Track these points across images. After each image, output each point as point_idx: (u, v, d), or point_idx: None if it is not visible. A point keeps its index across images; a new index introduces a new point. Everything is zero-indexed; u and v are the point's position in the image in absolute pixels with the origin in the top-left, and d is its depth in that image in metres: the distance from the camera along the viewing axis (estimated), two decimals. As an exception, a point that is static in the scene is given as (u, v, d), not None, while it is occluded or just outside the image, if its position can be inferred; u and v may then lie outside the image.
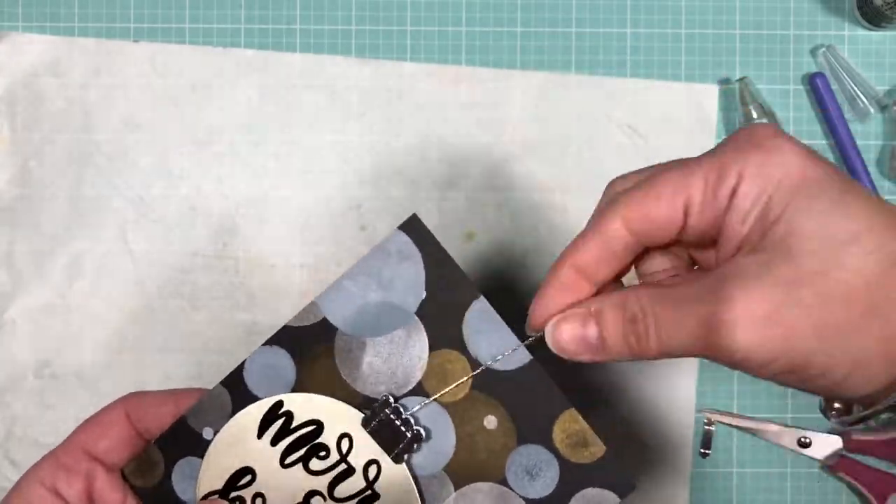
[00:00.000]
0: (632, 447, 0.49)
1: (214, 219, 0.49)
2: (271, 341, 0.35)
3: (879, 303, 0.23)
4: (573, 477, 0.33)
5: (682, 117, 0.49)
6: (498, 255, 0.49)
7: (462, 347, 0.34)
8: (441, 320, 0.34)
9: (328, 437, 0.35)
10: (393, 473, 0.34)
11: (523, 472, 0.33)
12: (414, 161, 0.49)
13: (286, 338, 0.35)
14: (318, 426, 0.35)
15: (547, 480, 0.33)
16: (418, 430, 0.34)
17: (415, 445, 0.34)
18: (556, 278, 0.29)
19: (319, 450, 0.35)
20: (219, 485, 0.36)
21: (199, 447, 0.36)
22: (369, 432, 0.34)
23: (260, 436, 0.35)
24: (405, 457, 0.34)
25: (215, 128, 0.50)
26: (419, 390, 0.34)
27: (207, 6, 0.50)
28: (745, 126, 0.30)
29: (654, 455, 0.49)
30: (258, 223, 0.49)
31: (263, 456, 0.35)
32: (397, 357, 0.34)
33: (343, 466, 0.35)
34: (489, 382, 0.33)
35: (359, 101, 0.49)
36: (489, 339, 0.33)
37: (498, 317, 0.33)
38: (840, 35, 0.49)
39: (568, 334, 0.29)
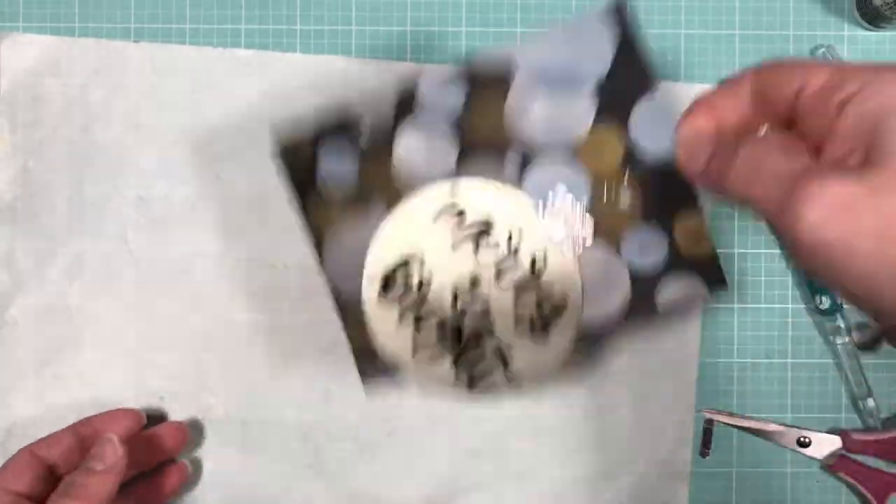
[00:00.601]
0: (632, 447, 0.49)
1: (215, 219, 0.49)
2: (452, 72, 0.38)
3: None
4: (677, 263, 0.38)
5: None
6: (498, 255, 0.49)
7: (624, 129, 0.37)
8: (615, 99, 0.37)
9: (499, 233, 0.38)
10: (560, 264, 0.38)
11: (636, 245, 0.38)
12: (414, 161, 0.49)
13: (467, 74, 0.38)
14: (489, 224, 0.39)
15: (652, 258, 0.38)
16: (589, 233, 0.38)
17: (583, 247, 0.38)
18: (689, 110, 0.33)
19: (491, 241, 0.39)
20: (391, 264, 0.39)
21: (353, 140, 0.39)
22: (546, 221, 0.38)
23: (435, 220, 0.39)
24: (573, 253, 0.38)
25: (215, 128, 0.50)
26: (572, 157, 0.38)
27: (207, 6, 0.50)
28: None
29: (654, 455, 0.49)
30: (259, 223, 0.49)
31: (435, 240, 0.39)
32: (563, 118, 0.37)
33: (511, 261, 0.39)
34: (637, 163, 0.37)
35: (359, 102, 0.49)
36: (652, 129, 0.37)
37: (668, 112, 0.36)
38: (839, 35, 0.50)
39: (683, 147, 0.32)
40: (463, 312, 0.39)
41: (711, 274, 0.38)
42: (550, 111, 0.37)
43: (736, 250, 0.49)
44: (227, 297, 0.49)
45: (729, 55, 0.50)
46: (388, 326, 0.40)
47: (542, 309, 0.39)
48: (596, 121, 0.37)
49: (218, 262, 0.49)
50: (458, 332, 0.40)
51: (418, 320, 0.40)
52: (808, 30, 0.49)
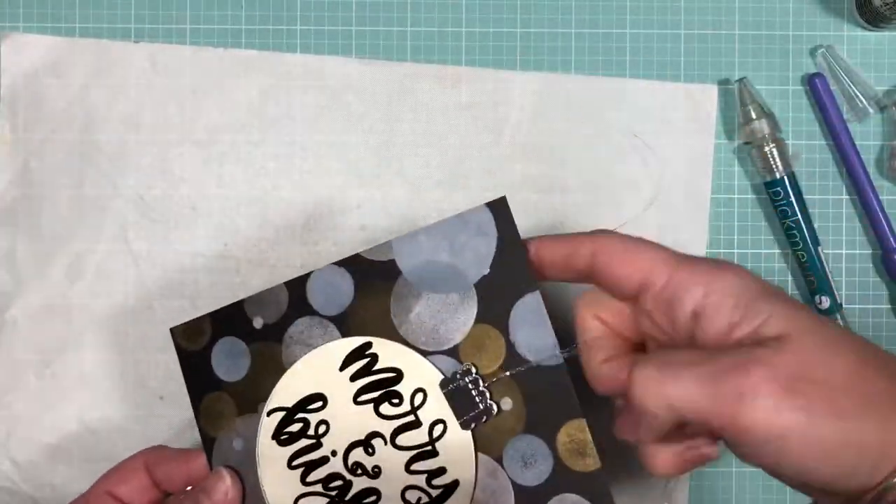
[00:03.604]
0: (631, 447, 0.49)
1: (215, 219, 0.49)
2: (341, 263, 0.38)
3: (869, 395, 0.25)
4: (562, 478, 0.35)
5: (682, 118, 0.49)
6: (498, 255, 0.49)
7: (504, 329, 0.36)
8: (494, 298, 0.36)
9: (404, 388, 0.37)
10: (457, 438, 0.36)
11: (519, 457, 0.36)
12: (414, 161, 0.49)
13: (354, 265, 0.38)
14: (398, 375, 0.37)
15: (537, 473, 0.35)
16: (491, 405, 0.36)
17: (483, 418, 0.36)
18: (579, 323, 0.34)
19: (393, 396, 0.37)
20: (289, 403, 0.39)
21: (246, 332, 0.40)
22: (445, 394, 0.36)
23: (342, 369, 0.38)
24: (472, 425, 0.36)
25: (216, 128, 0.50)
26: (453, 353, 0.37)
27: (207, 6, 0.50)
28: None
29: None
30: (259, 223, 0.49)
31: (340, 388, 0.38)
32: (444, 317, 0.37)
33: (411, 418, 0.37)
34: (518, 369, 0.36)
35: (359, 101, 0.50)
36: (531, 331, 0.35)
37: (545, 315, 0.35)
38: (839, 35, 0.50)
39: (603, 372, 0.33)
40: (353, 470, 0.38)
41: (597, 491, 0.35)
42: (430, 314, 0.37)
43: (736, 251, 0.49)
44: (227, 297, 0.49)
45: (729, 55, 0.50)
46: (275, 470, 0.39)
47: (432, 485, 0.37)
48: (477, 319, 0.36)
49: (217, 262, 0.49)
50: (343, 490, 0.38)
51: (308, 468, 0.38)
52: (808, 30, 0.50)
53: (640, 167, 0.49)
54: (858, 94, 0.49)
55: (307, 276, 0.39)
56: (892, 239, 0.48)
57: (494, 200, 0.37)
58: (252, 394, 0.40)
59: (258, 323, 0.39)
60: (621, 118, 0.49)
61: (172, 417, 0.49)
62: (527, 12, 0.50)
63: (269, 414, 0.39)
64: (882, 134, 0.49)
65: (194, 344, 0.41)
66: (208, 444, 0.40)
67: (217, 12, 0.50)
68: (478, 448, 0.36)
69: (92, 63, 0.50)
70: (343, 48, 0.50)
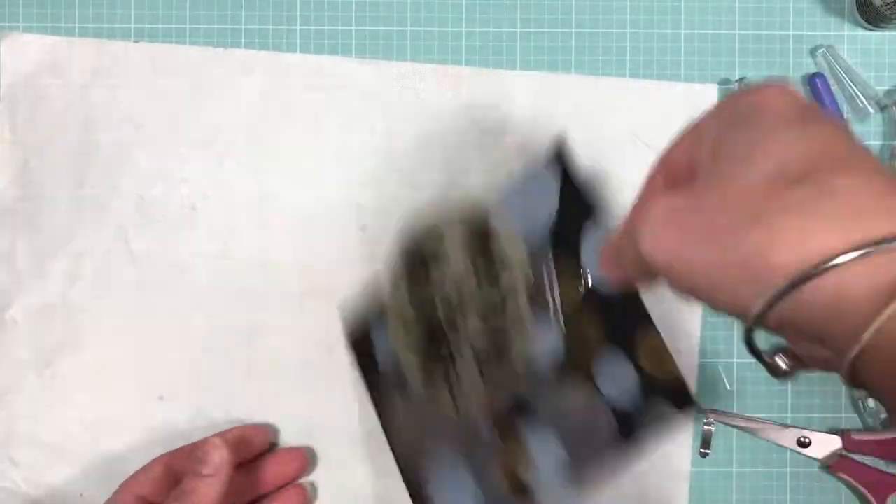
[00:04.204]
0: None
1: (215, 219, 0.49)
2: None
3: (764, 213, 0.22)
4: (647, 389, 0.39)
5: (682, 117, 0.49)
6: (498, 255, 0.49)
7: (577, 263, 0.40)
8: (566, 234, 0.40)
9: (504, 279, 0.42)
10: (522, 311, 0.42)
11: (609, 376, 0.40)
12: (414, 161, 0.49)
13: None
14: (503, 265, 0.42)
15: (625, 385, 0.39)
16: (561, 317, 0.41)
17: (554, 328, 0.41)
18: (620, 225, 0.32)
19: (495, 281, 0.42)
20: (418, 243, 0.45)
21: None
22: (527, 297, 0.41)
23: (461, 224, 0.44)
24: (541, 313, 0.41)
25: (216, 128, 0.50)
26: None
27: (207, 6, 0.50)
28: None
29: (654, 455, 0.49)
30: (258, 223, 0.49)
31: (455, 239, 0.44)
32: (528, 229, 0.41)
33: (500, 301, 0.42)
34: (594, 297, 0.40)
35: (359, 102, 0.50)
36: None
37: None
38: (839, 35, 0.50)
39: (601, 258, 0.32)
40: (446, 322, 0.43)
41: (681, 396, 0.38)
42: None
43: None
44: (227, 297, 0.49)
45: (729, 55, 0.50)
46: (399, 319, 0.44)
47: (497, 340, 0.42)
48: (553, 259, 0.40)
49: (218, 262, 0.49)
50: (436, 334, 0.43)
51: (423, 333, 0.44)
52: (808, 30, 0.49)
53: (639, 167, 0.49)
54: (858, 94, 0.49)
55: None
56: (892, 239, 0.48)
57: (554, 148, 0.40)
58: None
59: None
60: (621, 118, 0.49)
61: (172, 417, 0.49)
62: (527, 12, 0.50)
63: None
64: (882, 134, 0.49)
65: (363, 347, 0.46)
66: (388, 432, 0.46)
67: (217, 12, 0.50)
68: (573, 371, 0.40)
69: (92, 63, 0.50)
70: (343, 48, 0.50)
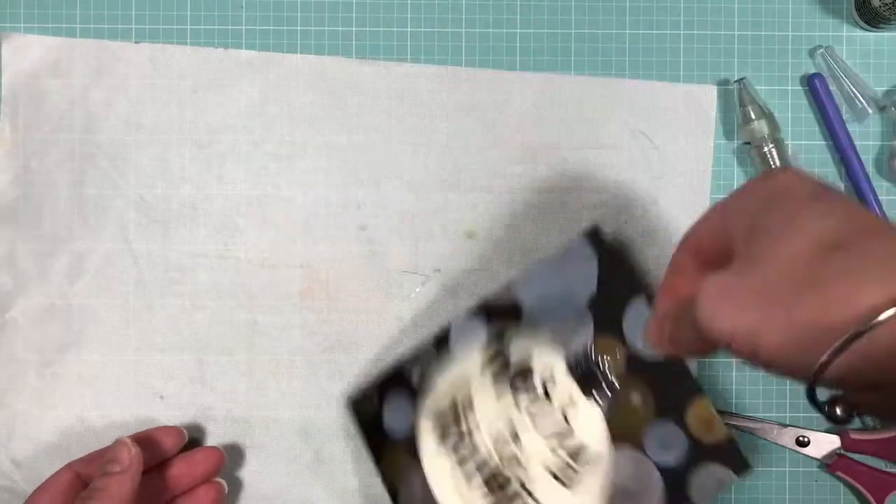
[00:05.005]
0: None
1: (215, 219, 0.50)
2: (473, 312, 0.45)
3: (813, 279, 0.25)
4: (698, 453, 0.41)
5: (681, 118, 0.49)
6: (498, 255, 0.49)
7: (621, 335, 0.42)
8: (606, 312, 0.42)
9: (536, 374, 0.43)
10: (587, 413, 0.42)
11: (658, 442, 0.42)
12: (414, 161, 0.49)
13: (484, 310, 0.45)
14: (529, 370, 0.43)
15: (676, 453, 0.41)
16: (613, 381, 0.42)
17: (609, 395, 0.42)
18: (656, 301, 0.35)
19: (528, 389, 0.43)
20: (445, 405, 0.44)
21: (408, 387, 0.45)
22: (571, 373, 0.43)
23: (482, 373, 0.44)
24: (598, 400, 0.42)
25: (216, 128, 0.50)
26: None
27: (208, 7, 0.50)
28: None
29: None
30: (259, 223, 0.49)
31: (483, 390, 0.44)
32: (568, 338, 0.43)
33: (546, 405, 0.43)
34: (640, 366, 0.42)
35: (359, 102, 0.50)
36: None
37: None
38: (838, 36, 0.50)
39: (648, 332, 0.35)
40: (507, 463, 0.43)
41: (733, 457, 0.41)
42: (557, 333, 0.43)
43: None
44: (227, 297, 0.49)
45: (729, 55, 0.50)
46: (444, 478, 0.44)
47: (574, 458, 0.42)
48: (595, 331, 0.43)
49: (218, 262, 0.50)
50: (501, 485, 0.43)
51: (467, 473, 0.44)
52: (808, 30, 0.50)
53: (639, 167, 0.49)
54: (858, 94, 0.49)
55: (447, 330, 0.45)
56: (891, 239, 0.48)
57: (588, 229, 0.43)
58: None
59: (416, 376, 0.45)
60: (621, 118, 0.49)
61: (172, 417, 0.49)
62: (527, 12, 0.50)
63: (425, 421, 0.45)
64: (881, 134, 0.49)
65: (368, 412, 0.46)
66: (393, 495, 0.45)
67: (217, 12, 0.50)
68: (619, 440, 0.42)
69: (92, 63, 0.50)
70: (343, 48, 0.50)
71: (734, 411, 0.49)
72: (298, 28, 0.50)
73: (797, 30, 0.50)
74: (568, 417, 0.42)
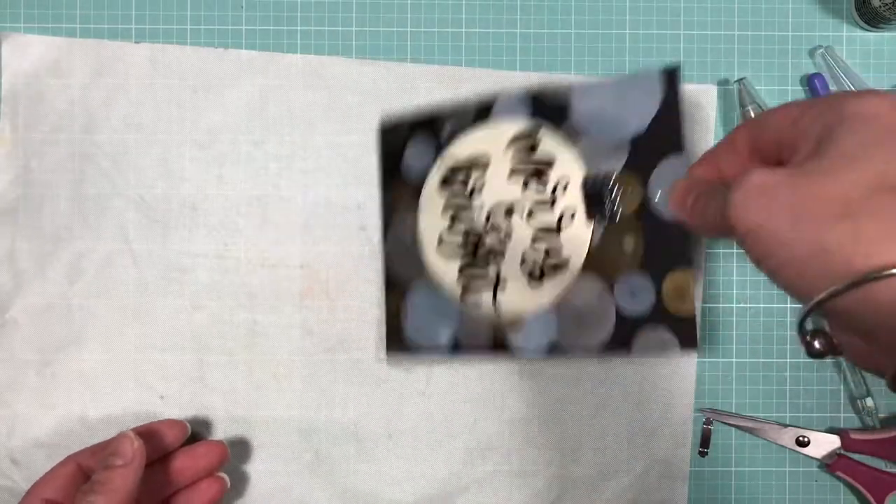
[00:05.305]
0: (632, 447, 0.49)
1: (215, 219, 0.50)
2: (522, 94, 0.45)
3: (855, 211, 0.25)
4: (659, 315, 0.41)
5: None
6: (498, 255, 0.49)
7: (646, 181, 0.42)
8: (644, 153, 0.42)
9: (552, 175, 0.44)
10: (579, 228, 0.43)
11: (628, 289, 0.42)
12: (414, 161, 0.49)
13: (534, 98, 0.45)
14: (550, 164, 0.44)
15: (639, 305, 0.42)
16: (617, 211, 0.42)
17: (607, 220, 0.43)
18: (695, 164, 0.35)
19: (541, 179, 0.44)
20: (461, 158, 0.46)
21: (436, 136, 0.47)
22: (583, 189, 0.43)
23: (509, 145, 0.45)
24: (595, 225, 0.43)
25: (216, 128, 0.50)
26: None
27: (208, 7, 0.50)
28: None
29: (654, 454, 0.49)
30: (259, 223, 0.50)
31: (502, 159, 0.45)
32: (598, 160, 0.43)
33: (549, 201, 0.44)
34: (648, 216, 0.42)
35: (359, 102, 0.50)
36: (666, 189, 0.41)
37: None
38: (838, 36, 0.50)
39: (674, 192, 0.34)
40: (489, 231, 0.45)
41: (687, 333, 0.41)
42: (586, 157, 0.43)
43: (735, 250, 0.49)
44: (227, 297, 0.49)
45: (729, 55, 0.50)
46: (432, 215, 0.47)
47: (549, 258, 0.44)
48: (624, 168, 0.42)
49: (218, 262, 0.50)
50: (476, 244, 0.45)
51: (453, 219, 0.46)
52: (808, 30, 0.50)
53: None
54: (858, 94, 0.49)
55: (494, 98, 0.46)
56: (891, 239, 0.48)
57: (669, 68, 0.42)
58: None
59: (447, 130, 0.46)
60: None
61: (172, 417, 0.49)
62: (527, 12, 0.50)
63: (442, 162, 0.46)
64: (881, 134, 0.49)
65: (392, 142, 0.48)
66: (386, 224, 0.48)
67: (217, 12, 0.50)
68: (594, 270, 0.43)
69: (92, 63, 0.50)
70: (343, 48, 0.50)
71: (734, 411, 0.49)
72: (298, 28, 0.50)
73: (797, 30, 0.50)
74: (562, 224, 0.43)
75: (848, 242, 0.25)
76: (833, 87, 0.49)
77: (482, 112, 0.46)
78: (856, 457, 0.48)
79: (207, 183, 0.50)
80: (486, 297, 0.45)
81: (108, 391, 0.49)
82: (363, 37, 0.50)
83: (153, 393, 0.49)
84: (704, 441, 0.49)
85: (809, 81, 0.49)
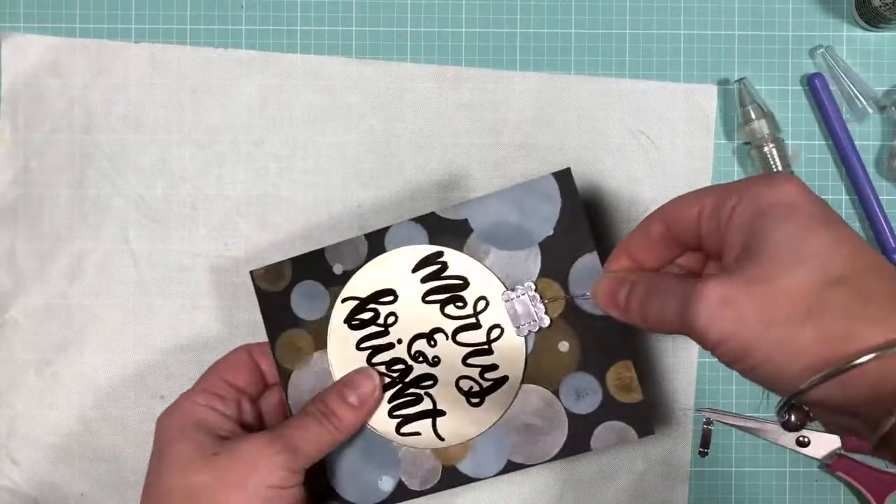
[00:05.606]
0: (632, 447, 0.49)
1: (215, 219, 0.50)
2: (417, 220, 0.43)
3: (815, 309, 0.27)
4: (610, 408, 0.41)
5: (681, 118, 0.49)
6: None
7: (564, 283, 0.42)
8: (556, 256, 0.42)
9: (469, 295, 0.43)
10: (510, 342, 0.42)
11: (573, 390, 0.42)
12: (414, 161, 0.49)
13: (429, 221, 0.43)
14: (465, 283, 0.43)
15: (588, 404, 0.42)
16: (544, 318, 0.42)
17: (537, 329, 0.42)
18: (611, 258, 0.36)
19: (458, 301, 0.43)
20: (363, 294, 0.43)
21: (327, 277, 0.44)
22: (506, 304, 0.42)
23: (414, 271, 0.43)
24: (526, 333, 0.42)
25: (216, 128, 0.50)
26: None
27: (208, 7, 0.50)
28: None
29: (654, 454, 0.49)
30: (259, 223, 0.49)
31: (410, 287, 0.43)
32: (510, 271, 0.42)
33: (473, 320, 0.43)
34: (576, 316, 0.42)
35: (359, 102, 0.50)
36: (588, 287, 0.41)
37: (601, 272, 0.38)
38: (838, 36, 0.50)
39: (601, 289, 0.35)
40: (415, 357, 0.43)
41: (641, 420, 0.41)
42: (499, 267, 0.42)
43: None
44: (227, 297, 0.49)
45: (729, 55, 0.50)
46: (343, 355, 0.44)
47: (484, 378, 0.42)
48: (540, 274, 0.42)
49: (218, 262, 0.50)
50: (402, 374, 0.43)
51: (373, 352, 0.43)
52: (808, 30, 0.50)
53: (639, 167, 0.49)
54: (858, 94, 0.49)
55: (386, 229, 0.43)
56: (891, 239, 0.48)
57: (560, 171, 0.42)
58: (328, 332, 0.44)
59: (338, 269, 0.44)
60: (621, 118, 0.49)
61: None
62: (527, 12, 0.50)
63: (343, 301, 0.44)
64: (881, 134, 0.49)
65: (274, 286, 0.44)
66: (284, 376, 0.44)
67: (217, 12, 0.50)
68: (535, 380, 0.42)
69: (92, 63, 0.50)
70: (343, 48, 0.50)
71: (734, 411, 0.49)
72: (298, 28, 0.50)
73: (797, 30, 0.50)
74: (490, 340, 0.42)
75: (817, 340, 0.27)
76: (833, 87, 0.49)
77: (374, 239, 0.43)
78: (856, 457, 0.48)
79: (207, 183, 0.50)
80: (425, 426, 0.43)
81: (108, 391, 0.49)
82: (363, 37, 0.50)
83: (153, 393, 0.49)
84: (704, 441, 0.49)
85: (809, 81, 0.49)
